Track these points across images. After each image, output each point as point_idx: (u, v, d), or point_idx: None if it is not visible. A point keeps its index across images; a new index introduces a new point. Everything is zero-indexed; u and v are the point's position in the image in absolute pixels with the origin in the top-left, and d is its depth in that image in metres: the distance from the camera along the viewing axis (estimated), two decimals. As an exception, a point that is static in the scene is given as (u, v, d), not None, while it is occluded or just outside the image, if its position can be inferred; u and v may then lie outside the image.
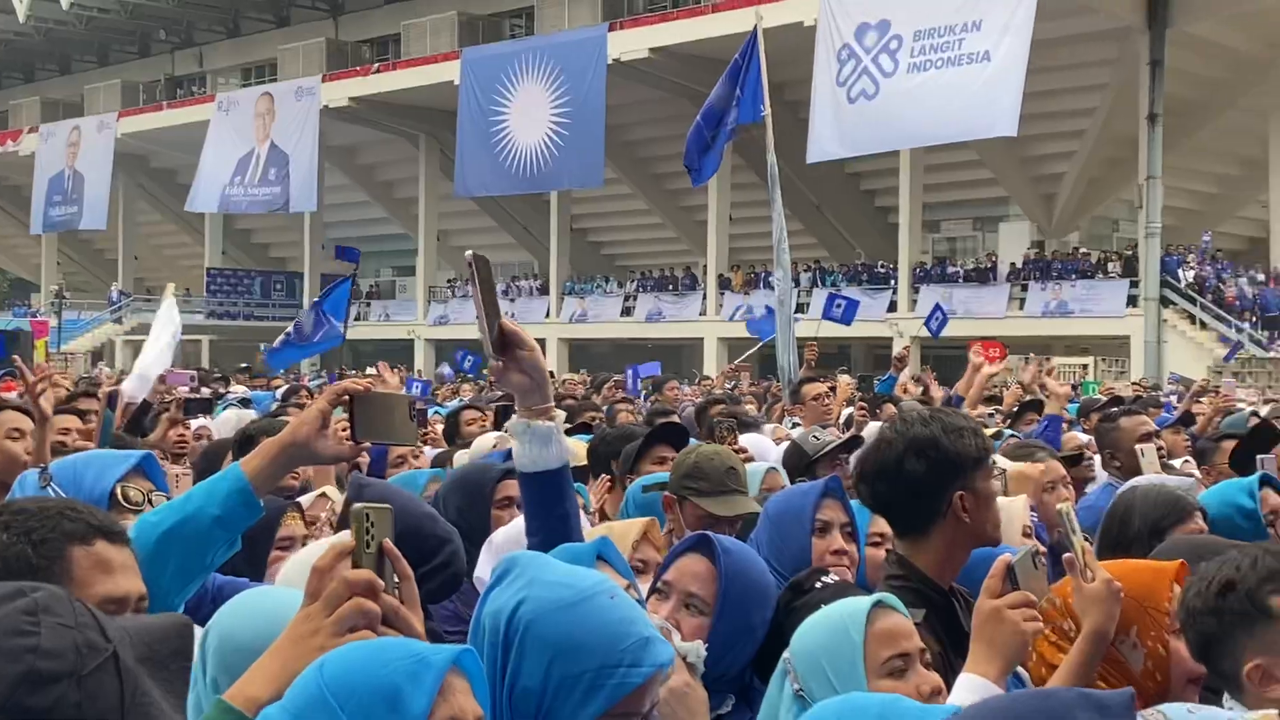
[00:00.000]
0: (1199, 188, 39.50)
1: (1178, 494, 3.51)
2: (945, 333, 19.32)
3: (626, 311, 43.46)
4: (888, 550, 3.12)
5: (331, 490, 4.36)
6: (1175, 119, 32.98)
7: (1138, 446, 5.48)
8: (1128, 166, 34.19)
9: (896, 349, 36.27)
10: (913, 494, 2.88)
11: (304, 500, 4.10)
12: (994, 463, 2.93)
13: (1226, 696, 2.41)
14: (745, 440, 5.50)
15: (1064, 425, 7.53)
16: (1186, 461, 6.72)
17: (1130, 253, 34.65)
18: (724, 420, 7.12)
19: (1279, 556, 2.45)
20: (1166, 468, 6.10)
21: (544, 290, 45.83)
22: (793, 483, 4.51)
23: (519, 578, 1.91)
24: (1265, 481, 3.96)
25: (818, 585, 2.68)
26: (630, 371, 12.55)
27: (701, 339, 40.35)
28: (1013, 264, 37.07)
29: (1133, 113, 32.56)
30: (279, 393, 13.53)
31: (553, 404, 2.68)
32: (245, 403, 11.31)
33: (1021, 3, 28.38)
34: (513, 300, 44.31)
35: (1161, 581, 2.53)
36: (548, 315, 44.08)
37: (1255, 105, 35.85)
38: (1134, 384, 20.76)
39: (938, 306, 19.77)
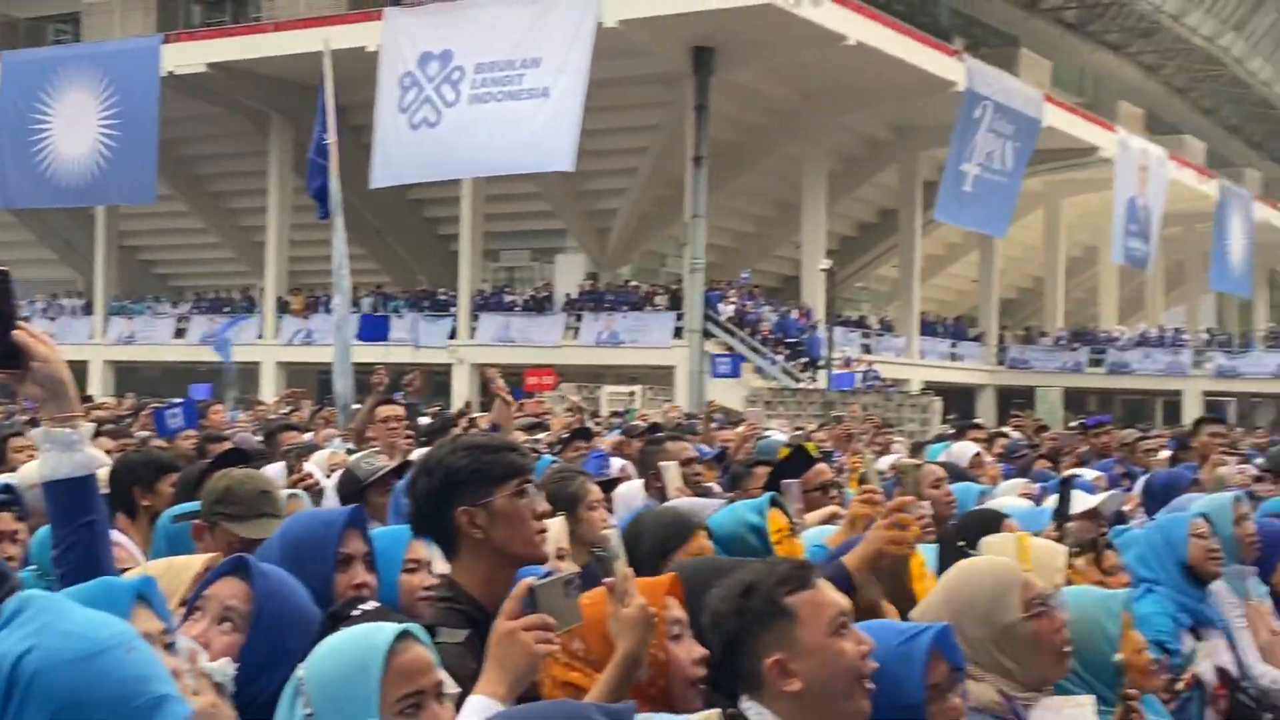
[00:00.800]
0: (740, 227, 42.06)
1: (683, 514, 3.75)
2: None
3: (179, 333, 41.81)
4: (442, 574, 3.12)
5: None
6: (719, 161, 34.95)
7: (660, 464, 5.82)
8: (675, 205, 35.83)
9: (455, 376, 36.71)
10: (422, 510, 2.97)
11: None
12: (527, 481, 2.95)
13: (744, 699, 2.54)
14: (275, 469, 5.49)
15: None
16: (713, 485, 7.20)
17: (676, 287, 36.32)
18: (292, 447, 7.08)
19: (793, 564, 2.66)
20: (703, 491, 6.53)
21: (88, 309, 43.44)
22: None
23: (30, 621, 1.74)
24: (774, 502, 4.34)
25: (355, 613, 2.66)
26: (157, 416, 11.71)
27: (259, 363, 39.35)
28: (568, 294, 38.23)
29: (681, 154, 34.23)
30: None
31: (78, 412, 2.64)
32: None
33: (578, 42, 29.37)
34: (53, 319, 41.74)
35: (657, 594, 2.73)
36: (91, 336, 41.79)
37: (791, 152, 38.46)
38: (669, 412, 21.88)
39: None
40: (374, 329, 17.79)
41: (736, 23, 30.78)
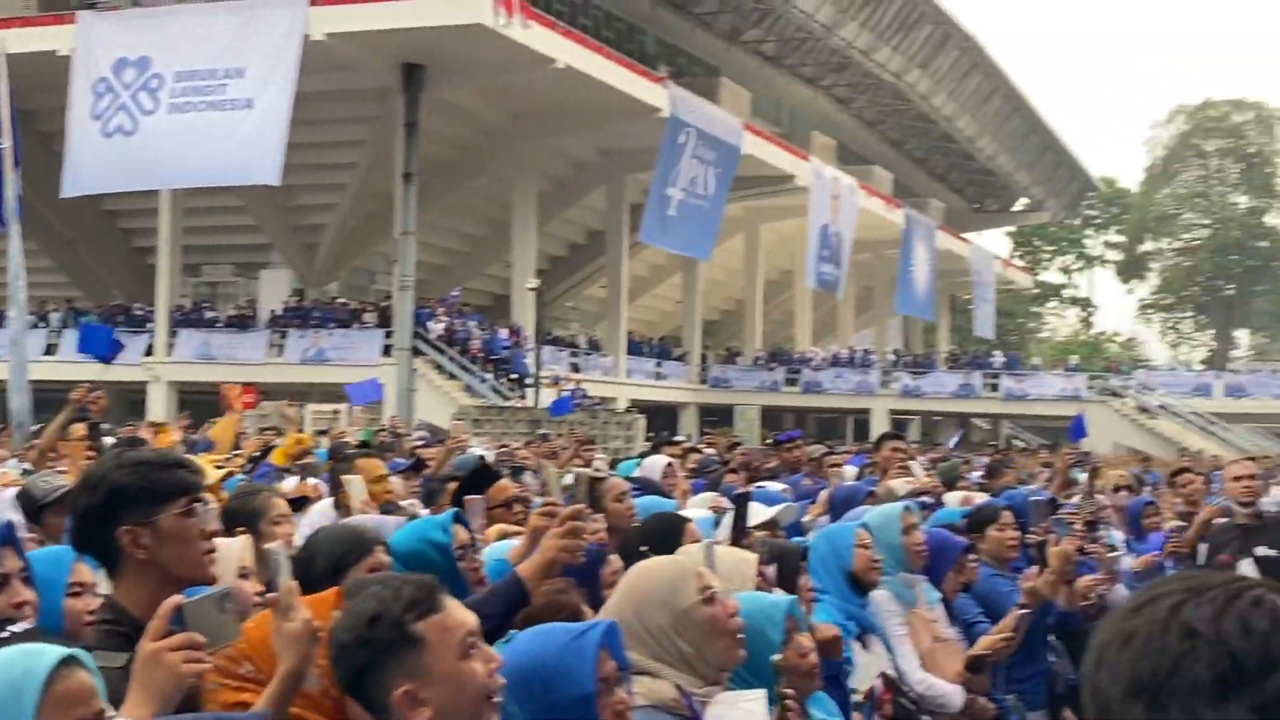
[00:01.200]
0: (451, 245, 41.96)
1: (359, 531, 3.75)
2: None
3: None
4: (104, 595, 3.02)
5: None
6: (431, 178, 34.80)
7: (343, 478, 5.82)
8: (385, 221, 35.47)
9: (151, 394, 35.37)
10: (84, 529, 2.88)
11: None
12: (196, 499, 2.88)
13: None
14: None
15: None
16: (414, 502, 7.22)
17: (385, 304, 35.97)
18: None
19: (419, 585, 2.52)
20: (397, 509, 6.55)
21: None
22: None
23: None
24: (458, 518, 4.39)
25: (5, 635, 2.49)
26: None
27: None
28: (273, 311, 37.37)
29: (391, 170, 33.91)
30: None
31: None
32: None
33: (284, 54, 28.76)
34: None
35: (323, 608, 2.73)
36: None
37: (501, 172, 38.61)
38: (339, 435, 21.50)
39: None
40: (101, 344, 16.78)
41: (446, 41, 30.76)
